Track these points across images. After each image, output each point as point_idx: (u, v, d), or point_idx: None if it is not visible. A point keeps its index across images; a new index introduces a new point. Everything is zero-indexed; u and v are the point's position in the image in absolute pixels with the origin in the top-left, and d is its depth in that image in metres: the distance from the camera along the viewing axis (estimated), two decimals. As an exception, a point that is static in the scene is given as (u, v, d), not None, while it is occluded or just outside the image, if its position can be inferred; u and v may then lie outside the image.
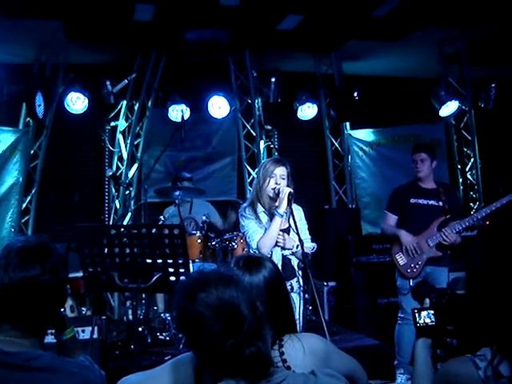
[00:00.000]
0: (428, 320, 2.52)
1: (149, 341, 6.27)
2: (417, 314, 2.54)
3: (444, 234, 5.46)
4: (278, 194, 4.47)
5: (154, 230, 4.13)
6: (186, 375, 2.18)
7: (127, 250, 4.09)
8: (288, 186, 4.53)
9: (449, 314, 2.52)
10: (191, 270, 4.78)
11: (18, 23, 6.94)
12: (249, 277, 2.44)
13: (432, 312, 2.53)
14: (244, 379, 1.83)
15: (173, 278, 4.10)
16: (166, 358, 5.52)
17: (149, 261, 4.08)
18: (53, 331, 2.34)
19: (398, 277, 5.66)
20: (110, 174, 7.50)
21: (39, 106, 7.63)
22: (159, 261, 4.07)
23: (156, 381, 2.24)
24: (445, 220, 5.56)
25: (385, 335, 5.86)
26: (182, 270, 4.06)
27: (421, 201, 5.65)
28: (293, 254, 4.51)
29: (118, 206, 8.64)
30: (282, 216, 4.42)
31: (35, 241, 2.13)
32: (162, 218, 6.93)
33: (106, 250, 4.09)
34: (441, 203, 5.61)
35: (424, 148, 5.82)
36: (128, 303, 7.24)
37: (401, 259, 5.60)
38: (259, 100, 8.86)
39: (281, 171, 4.55)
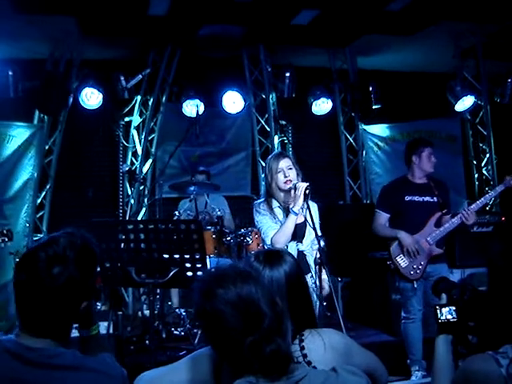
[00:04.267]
0: (450, 316, 2.50)
1: (164, 336, 6.27)
2: (438, 311, 2.51)
3: (464, 214, 5.34)
4: (293, 190, 4.47)
5: (171, 225, 4.13)
6: (204, 371, 2.17)
7: (144, 245, 4.09)
8: (298, 175, 4.56)
9: (471, 310, 2.49)
10: (208, 265, 4.78)
11: (33, 19, 6.95)
12: (269, 271, 2.43)
13: (454, 308, 2.51)
14: (264, 376, 1.82)
15: (190, 274, 4.10)
16: (181, 354, 5.56)
17: (166, 256, 4.08)
18: (77, 325, 2.31)
19: (400, 279, 5.57)
20: (126, 169, 7.50)
21: (54, 101, 7.68)
22: (176, 256, 4.07)
23: (174, 376, 2.23)
24: (441, 215, 5.50)
25: (399, 331, 5.83)
26: (198, 266, 4.05)
27: (416, 198, 5.53)
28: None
29: (132, 201, 8.66)
30: (296, 214, 4.43)
31: (61, 234, 2.10)
32: (176, 212, 6.95)
33: (122, 245, 4.09)
34: (435, 199, 5.52)
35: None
36: (143, 298, 7.25)
37: (402, 261, 5.47)
38: (273, 95, 8.83)
39: (285, 163, 4.56)
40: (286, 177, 4.52)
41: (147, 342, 6.04)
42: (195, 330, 6.17)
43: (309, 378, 1.87)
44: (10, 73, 7.48)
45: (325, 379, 1.89)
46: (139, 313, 7.30)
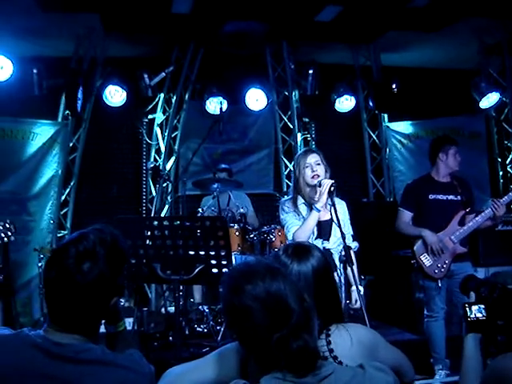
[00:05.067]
0: (479, 314, 2.48)
1: (187, 333, 6.28)
2: (467, 309, 2.50)
3: (494, 206, 5.29)
4: (318, 186, 4.47)
5: (197, 222, 4.14)
6: (231, 366, 2.18)
7: (170, 242, 4.10)
8: (326, 171, 4.56)
9: (500, 308, 2.47)
10: (233, 262, 4.79)
11: (56, 17, 6.99)
12: (297, 265, 2.44)
13: (483, 306, 2.49)
14: (290, 372, 1.81)
15: (215, 270, 4.11)
16: (204, 350, 5.57)
17: (191, 252, 4.09)
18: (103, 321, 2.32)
19: (423, 278, 5.52)
20: (151, 166, 7.53)
21: (78, 99, 7.72)
22: (202, 252, 4.08)
23: (201, 371, 2.24)
24: (464, 214, 5.45)
25: (423, 330, 5.79)
26: (224, 262, 4.06)
27: (440, 196, 5.48)
28: None
29: (155, 198, 8.69)
30: (319, 211, 4.43)
31: (90, 231, 2.11)
32: (200, 209, 6.96)
33: (148, 242, 4.10)
34: (459, 197, 5.47)
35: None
36: (166, 295, 7.27)
37: (427, 260, 5.41)
38: (296, 92, 8.83)
39: (314, 158, 4.58)
40: (313, 171, 4.53)
41: (171, 338, 6.08)
42: (218, 327, 6.17)
43: (336, 375, 1.86)
44: (35, 71, 7.54)
45: (352, 376, 1.89)
46: (162, 309, 7.32)
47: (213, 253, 4.06)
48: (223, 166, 7.85)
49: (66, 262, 1.98)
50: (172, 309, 7.33)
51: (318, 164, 4.56)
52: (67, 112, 8.27)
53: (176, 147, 8.85)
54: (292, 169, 8.66)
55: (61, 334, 2.01)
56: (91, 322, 2.07)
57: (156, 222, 4.17)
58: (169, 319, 6.71)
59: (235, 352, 2.19)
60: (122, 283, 2.15)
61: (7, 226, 4.86)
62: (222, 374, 2.18)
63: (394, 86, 8.48)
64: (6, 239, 4.83)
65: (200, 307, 6.64)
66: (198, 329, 6.50)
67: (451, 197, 5.49)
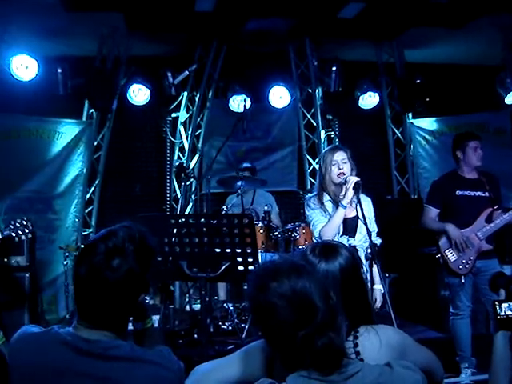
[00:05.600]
0: (509, 312, 2.45)
1: (211, 330, 6.30)
2: (497, 306, 2.47)
3: None
4: (343, 183, 4.46)
5: (223, 220, 4.14)
6: (257, 364, 2.18)
7: (196, 240, 4.11)
8: (352, 169, 4.54)
9: (531, 305, 2.45)
10: (259, 260, 4.79)
11: (80, 16, 7.03)
12: (325, 264, 2.42)
13: None
14: (316, 370, 1.81)
15: (241, 268, 4.11)
16: (229, 348, 5.59)
17: (217, 250, 4.09)
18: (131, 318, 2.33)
19: (448, 274, 5.47)
20: (177, 164, 7.56)
21: (102, 98, 7.79)
22: (228, 250, 4.08)
23: (227, 369, 2.24)
24: (492, 211, 5.38)
25: (448, 328, 5.74)
26: (250, 260, 4.06)
27: (467, 192, 5.41)
28: None
29: (179, 196, 8.72)
30: (345, 208, 4.43)
31: (119, 227, 2.12)
32: (224, 207, 6.97)
33: (174, 240, 4.11)
34: (487, 194, 5.39)
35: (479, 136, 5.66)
36: (191, 292, 7.29)
37: (451, 255, 5.36)
38: (320, 89, 8.78)
39: (341, 156, 4.56)
40: (339, 169, 4.52)
41: (195, 335, 6.10)
42: (243, 325, 6.19)
43: (362, 373, 1.85)
44: (59, 70, 7.60)
45: (379, 374, 1.88)
46: (187, 307, 7.35)
47: (239, 250, 4.06)
48: (245, 165, 7.85)
49: (96, 258, 1.99)
50: (196, 306, 7.35)
51: (345, 162, 4.55)
52: (92, 111, 8.34)
53: (199, 145, 8.87)
54: (316, 166, 8.74)
55: (90, 330, 2.03)
56: (120, 318, 2.09)
57: (182, 220, 4.19)
58: (193, 317, 6.73)
59: (261, 350, 2.20)
60: (146, 280, 2.16)
61: (24, 223, 4.87)
62: (248, 372, 2.19)
63: (417, 83, 8.42)
64: (23, 237, 4.85)
65: (225, 305, 6.66)
66: (222, 326, 6.52)
67: (479, 193, 5.42)
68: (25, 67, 7.18)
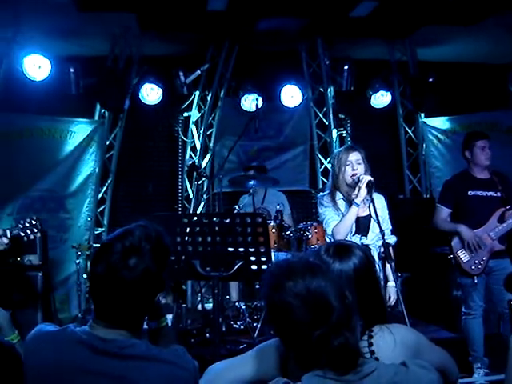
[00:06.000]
0: None
1: (223, 329, 6.30)
2: (514, 306, 2.46)
3: None
4: (357, 182, 4.46)
5: (236, 219, 4.14)
6: (271, 363, 2.18)
7: (209, 239, 4.11)
8: (366, 170, 4.54)
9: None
10: (273, 259, 4.78)
11: (93, 16, 7.05)
12: (339, 264, 2.40)
13: None
14: (332, 370, 1.80)
15: (254, 267, 4.10)
16: (241, 347, 5.60)
17: (230, 249, 4.09)
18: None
19: (460, 275, 5.47)
20: (190, 163, 7.57)
21: (114, 98, 7.82)
22: (241, 249, 4.07)
23: (241, 368, 2.24)
24: (504, 211, 5.35)
25: (461, 328, 5.72)
26: (263, 259, 4.05)
27: (479, 192, 5.40)
28: None
29: (191, 195, 8.73)
30: (358, 206, 4.42)
31: (135, 227, 2.12)
32: (237, 207, 6.97)
33: (187, 239, 4.11)
34: (499, 194, 5.37)
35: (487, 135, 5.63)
36: (203, 291, 7.29)
37: (464, 256, 5.35)
38: (332, 88, 8.77)
39: (355, 157, 4.55)
40: (353, 170, 4.51)
41: (207, 334, 6.10)
42: (255, 324, 6.18)
43: (378, 373, 1.85)
44: (72, 70, 7.63)
45: (394, 373, 1.87)
46: (199, 306, 7.36)
47: (252, 249, 4.05)
48: (252, 163, 7.88)
49: (112, 257, 2.00)
50: (208, 305, 7.35)
51: (359, 163, 4.54)
52: (104, 110, 8.36)
53: (211, 145, 8.88)
54: (328, 165, 8.73)
55: (106, 329, 2.03)
56: (136, 317, 2.09)
57: (195, 219, 4.19)
58: (205, 316, 6.74)
59: (275, 349, 2.19)
60: (166, 279, 2.16)
61: (33, 222, 4.89)
62: (262, 371, 2.19)
63: (430, 81, 8.38)
64: (31, 236, 4.87)
65: (236, 304, 6.66)
66: (234, 326, 6.52)
67: (491, 193, 5.41)
68: (37, 67, 7.21)
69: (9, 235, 4.71)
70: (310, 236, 6.54)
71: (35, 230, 4.84)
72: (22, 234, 4.83)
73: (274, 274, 1.94)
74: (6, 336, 2.24)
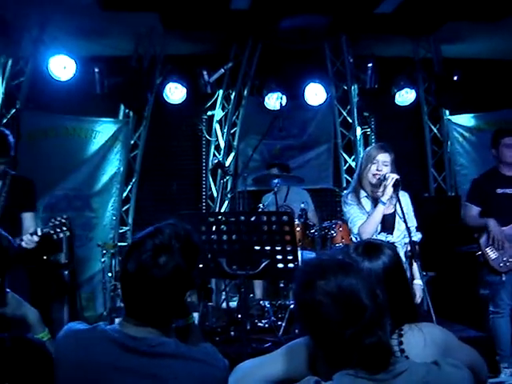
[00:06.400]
0: None
1: (248, 328, 6.29)
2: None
3: None
4: (382, 180, 4.44)
5: (263, 217, 4.14)
6: (300, 361, 2.17)
7: (235, 237, 4.11)
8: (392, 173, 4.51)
9: None
10: (299, 258, 4.77)
11: (117, 16, 7.09)
12: (368, 263, 2.39)
13: None
14: (363, 369, 1.79)
15: (280, 265, 4.10)
16: (266, 346, 5.58)
17: (257, 247, 4.08)
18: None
19: (488, 272, 5.44)
20: (216, 161, 7.58)
21: (138, 97, 7.86)
22: (267, 248, 4.07)
23: (271, 366, 2.23)
24: None
25: (488, 327, 5.67)
26: (290, 257, 4.04)
27: (508, 190, 5.37)
28: None
29: (215, 194, 8.74)
30: (384, 204, 4.41)
31: (165, 225, 2.13)
32: (261, 205, 6.97)
33: (213, 237, 4.12)
34: None
35: None
36: (227, 289, 7.30)
37: (492, 253, 5.33)
38: (356, 86, 8.74)
39: (383, 157, 4.53)
40: (377, 169, 4.49)
41: (232, 333, 6.10)
42: (279, 322, 6.17)
43: (410, 372, 1.84)
44: (96, 70, 7.70)
45: (426, 373, 1.86)
46: (223, 304, 7.36)
47: (279, 248, 4.05)
48: (275, 161, 7.88)
49: (143, 255, 2.01)
50: (232, 304, 7.36)
51: (386, 165, 4.52)
52: (128, 110, 8.40)
53: (235, 143, 8.88)
54: (352, 163, 8.71)
55: (136, 327, 2.04)
56: (166, 315, 2.10)
57: (221, 217, 4.19)
58: (230, 314, 6.74)
59: (304, 347, 2.18)
60: (195, 277, 2.16)
61: (63, 221, 4.91)
62: (291, 370, 2.18)
63: (455, 78, 8.31)
64: (61, 235, 4.89)
65: (261, 302, 6.65)
66: (259, 324, 6.49)
67: None
68: (63, 67, 7.27)
69: (39, 233, 4.73)
70: (334, 234, 6.52)
71: (64, 229, 4.87)
72: (52, 232, 4.83)
73: (305, 273, 1.93)
74: (36, 334, 2.26)
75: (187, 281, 2.08)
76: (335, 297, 1.81)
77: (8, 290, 2.20)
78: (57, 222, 4.86)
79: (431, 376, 1.85)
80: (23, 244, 4.65)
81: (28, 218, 5.05)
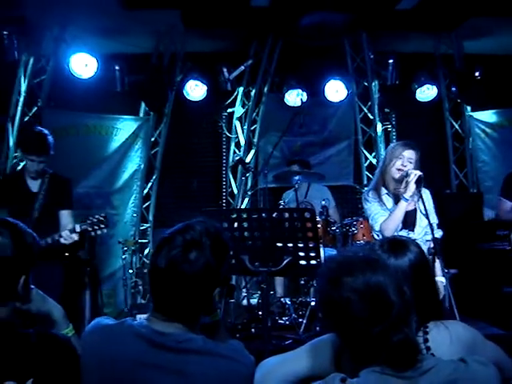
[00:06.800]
0: None
1: (268, 325, 6.28)
2: None
3: None
4: (405, 177, 4.43)
5: (285, 214, 4.13)
6: (325, 358, 2.16)
7: (257, 234, 4.10)
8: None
9: None
10: (322, 255, 4.76)
11: (137, 14, 7.11)
12: (394, 260, 2.37)
13: None
14: (390, 366, 1.78)
15: (303, 262, 4.09)
16: (287, 343, 5.58)
17: (279, 244, 4.08)
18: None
19: None
20: (237, 158, 7.59)
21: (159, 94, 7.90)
22: (290, 244, 4.06)
23: (295, 363, 2.23)
24: None
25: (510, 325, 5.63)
26: (312, 254, 4.03)
27: None
28: None
29: (235, 191, 8.76)
30: (407, 201, 4.40)
31: (195, 222, 2.13)
32: (281, 202, 6.97)
33: (235, 234, 4.12)
34: None
35: None
36: (248, 286, 7.30)
37: None
38: (376, 82, 8.70)
39: (409, 154, 4.52)
40: (402, 165, 4.48)
41: (253, 330, 6.11)
42: (300, 319, 6.16)
43: (437, 369, 1.82)
44: (117, 67, 7.73)
45: (454, 370, 1.84)
46: (244, 301, 7.37)
47: (301, 245, 4.03)
48: (296, 157, 7.88)
49: (173, 251, 2.01)
50: (253, 301, 7.36)
51: (411, 162, 4.51)
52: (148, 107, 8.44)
53: (255, 140, 8.88)
54: (373, 160, 8.67)
55: (163, 323, 2.05)
56: (194, 311, 2.10)
57: (244, 214, 4.19)
58: (250, 311, 6.74)
59: (329, 344, 2.17)
60: (228, 275, 2.17)
61: (101, 218, 5.04)
62: (317, 366, 2.17)
63: (477, 74, 8.24)
64: (98, 232, 5.00)
65: (282, 299, 6.64)
66: (279, 321, 6.49)
67: None
68: (84, 65, 7.31)
69: (78, 230, 4.89)
70: (355, 231, 6.48)
71: (103, 226, 5.00)
72: (90, 229, 4.97)
73: (331, 269, 1.92)
74: (60, 330, 2.27)
75: (216, 278, 2.08)
76: (362, 294, 1.80)
77: (32, 286, 2.21)
78: (95, 220, 5.00)
79: (458, 373, 1.83)
80: (62, 240, 4.85)
81: (65, 216, 5.27)
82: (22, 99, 7.78)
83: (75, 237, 4.90)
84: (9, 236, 2.01)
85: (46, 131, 5.21)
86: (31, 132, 5.34)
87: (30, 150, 5.07)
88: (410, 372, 1.79)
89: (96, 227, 4.97)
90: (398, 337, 1.77)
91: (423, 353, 2.13)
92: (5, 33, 6.93)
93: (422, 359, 1.83)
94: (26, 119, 7.86)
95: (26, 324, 2.16)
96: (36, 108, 7.87)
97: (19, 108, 7.80)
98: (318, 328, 5.80)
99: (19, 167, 7.69)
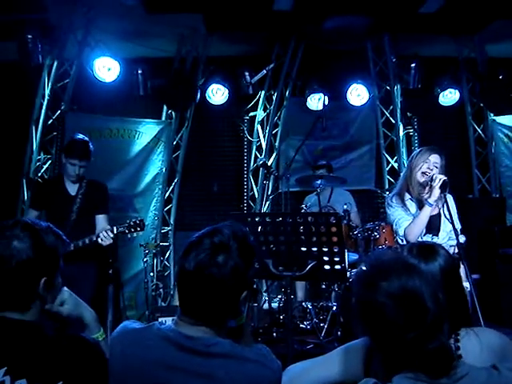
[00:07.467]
0: None
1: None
2: None
3: None
4: (430, 181, 4.42)
5: (310, 218, 4.12)
6: (356, 363, 2.15)
7: (282, 238, 4.10)
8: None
9: None
10: (347, 260, 4.74)
11: (160, 18, 7.17)
12: (424, 265, 2.32)
13: None
14: (424, 373, 1.76)
15: (327, 267, 4.07)
16: (308, 347, 5.58)
17: (303, 249, 4.06)
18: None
19: None
20: (261, 162, 7.59)
21: (181, 98, 7.93)
22: (314, 249, 4.04)
23: (326, 368, 2.22)
24: None
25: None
26: (337, 259, 4.01)
27: None
28: None
29: (256, 195, 8.76)
30: (431, 205, 4.38)
31: (223, 225, 2.13)
32: (303, 206, 6.96)
33: (260, 238, 4.11)
34: None
35: None
36: (269, 290, 7.30)
37: None
38: (399, 86, 8.67)
39: (435, 159, 4.51)
40: (428, 169, 4.46)
41: (274, 334, 6.11)
42: (321, 324, 6.15)
43: (470, 377, 1.80)
44: (140, 71, 7.76)
45: (487, 377, 1.82)
46: (265, 305, 7.37)
47: (325, 249, 4.01)
48: (322, 162, 7.86)
49: (201, 254, 2.01)
50: (274, 305, 7.35)
51: (436, 167, 4.50)
52: (170, 111, 8.46)
53: (277, 144, 8.88)
54: (395, 164, 8.64)
55: (191, 327, 2.05)
56: (222, 315, 2.10)
57: (268, 219, 4.18)
58: (272, 315, 6.74)
59: (360, 349, 2.16)
60: (251, 278, 2.16)
61: (137, 222, 5.29)
62: (349, 372, 2.16)
63: (500, 78, 8.17)
64: (134, 234, 5.26)
65: (303, 304, 6.63)
66: (301, 325, 6.48)
67: None
68: (107, 69, 7.37)
69: (115, 231, 5.13)
70: (377, 236, 6.44)
71: (139, 229, 5.19)
72: (127, 232, 5.24)
73: (367, 273, 1.90)
74: (92, 334, 2.28)
75: (244, 281, 2.08)
76: (398, 299, 1.78)
77: (66, 288, 2.23)
78: (131, 223, 5.25)
79: (492, 380, 1.81)
80: (99, 240, 5.10)
81: (101, 220, 5.49)
82: (45, 103, 7.85)
83: (112, 238, 5.10)
84: (28, 239, 2.02)
85: (87, 139, 5.52)
86: (75, 138, 5.56)
87: (73, 155, 5.32)
88: (444, 379, 1.77)
89: (133, 230, 5.23)
90: (433, 344, 1.75)
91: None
92: (29, 37, 6.99)
93: (456, 366, 1.81)
94: (50, 123, 7.91)
95: (56, 327, 2.17)
96: (59, 111, 7.95)
97: (43, 111, 7.87)
98: (339, 333, 5.78)
99: (42, 170, 7.77)
